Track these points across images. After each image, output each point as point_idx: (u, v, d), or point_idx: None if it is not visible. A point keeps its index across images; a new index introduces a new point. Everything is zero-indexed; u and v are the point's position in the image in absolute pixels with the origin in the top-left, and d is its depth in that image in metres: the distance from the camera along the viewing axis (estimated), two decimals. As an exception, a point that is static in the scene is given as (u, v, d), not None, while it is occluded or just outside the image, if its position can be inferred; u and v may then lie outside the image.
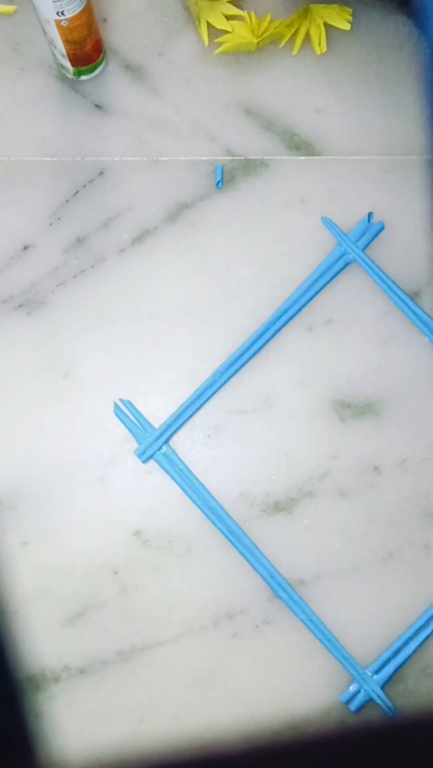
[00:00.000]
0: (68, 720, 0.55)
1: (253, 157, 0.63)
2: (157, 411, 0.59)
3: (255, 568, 0.56)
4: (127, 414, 0.58)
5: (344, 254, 0.59)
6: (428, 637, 0.56)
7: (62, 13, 0.57)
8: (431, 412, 0.59)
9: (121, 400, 0.58)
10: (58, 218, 0.62)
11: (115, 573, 0.57)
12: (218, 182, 0.63)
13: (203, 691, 0.56)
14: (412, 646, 0.55)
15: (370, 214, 0.55)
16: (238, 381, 0.60)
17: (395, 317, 0.60)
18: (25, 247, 0.62)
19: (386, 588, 0.57)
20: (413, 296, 0.60)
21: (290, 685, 0.56)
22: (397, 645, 0.55)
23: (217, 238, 0.62)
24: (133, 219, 0.62)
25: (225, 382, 0.58)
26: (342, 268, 0.55)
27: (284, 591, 0.56)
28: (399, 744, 0.22)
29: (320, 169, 0.63)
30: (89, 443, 0.59)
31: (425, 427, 0.59)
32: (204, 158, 0.63)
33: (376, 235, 0.55)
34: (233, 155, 0.63)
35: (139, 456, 0.57)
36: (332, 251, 0.56)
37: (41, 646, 0.56)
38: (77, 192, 0.63)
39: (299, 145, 0.63)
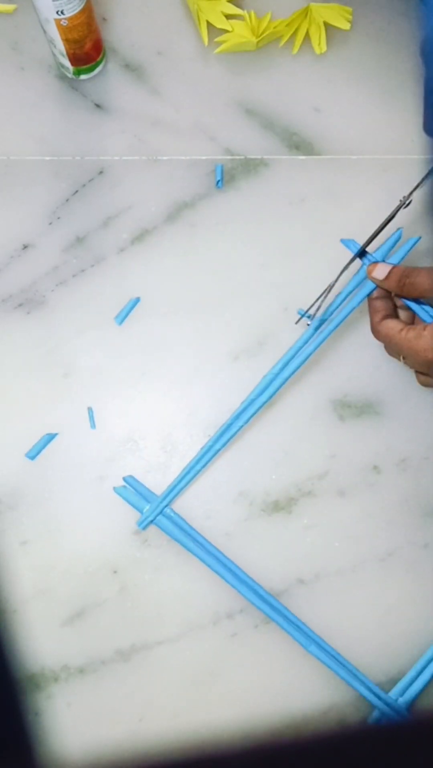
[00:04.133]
0: (68, 719, 0.55)
1: (253, 157, 0.63)
2: (157, 410, 0.59)
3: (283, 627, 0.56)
4: (131, 491, 0.58)
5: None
6: None
7: (62, 12, 0.57)
8: (430, 412, 0.59)
9: (124, 479, 0.58)
10: (58, 217, 0.62)
11: (115, 572, 0.57)
12: (218, 182, 0.63)
13: (203, 691, 0.56)
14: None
15: (399, 230, 0.55)
16: (238, 380, 0.59)
17: (394, 317, 0.60)
18: (25, 247, 0.62)
19: (385, 588, 0.57)
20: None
21: (289, 685, 0.56)
22: (420, 665, 0.55)
23: (216, 238, 0.62)
24: (133, 218, 0.62)
25: (222, 447, 0.57)
26: (371, 291, 0.55)
27: (308, 638, 0.55)
28: (399, 743, 0.22)
29: (320, 169, 0.63)
30: (89, 443, 0.59)
31: (425, 427, 0.59)
32: (204, 157, 0.63)
33: (407, 250, 0.55)
34: (232, 155, 0.63)
35: (139, 525, 0.57)
36: (359, 271, 0.55)
37: (41, 645, 0.56)
38: (77, 191, 0.63)
39: (299, 145, 0.63)
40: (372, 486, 0.58)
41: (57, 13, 0.57)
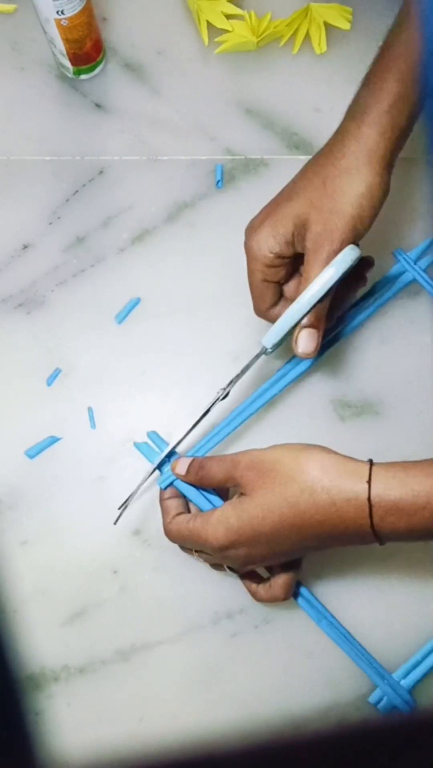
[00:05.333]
0: (68, 719, 0.55)
1: (253, 157, 0.63)
2: (157, 410, 0.59)
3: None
4: (152, 446, 0.57)
5: (402, 272, 0.58)
6: None
7: (62, 12, 0.57)
8: (431, 412, 0.59)
9: (147, 434, 0.57)
10: (58, 217, 0.62)
11: (115, 572, 0.57)
12: (218, 181, 0.63)
13: (203, 691, 0.56)
14: None
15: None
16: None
17: (394, 317, 0.60)
18: (25, 247, 0.62)
19: (385, 587, 0.57)
20: (412, 293, 0.60)
21: (289, 685, 0.56)
22: (426, 650, 0.55)
23: (217, 238, 0.62)
24: (133, 218, 0.62)
25: (255, 411, 0.57)
26: (401, 288, 0.56)
27: (319, 614, 0.55)
28: (399, 743, 0.22)
29: (319, 169, 0.63)
30: (89, 443, 0.59)
31: (425, 427, 0.59)
32: (204, 157, 0.63)
33: None
34: (232, 154, 0.63)
35: (160, 484, 0.56)
36: (392, 269, 0.56)
37: (41, 645, 0.56)
38: (77, 191, 0.63)
39: (299, 145, 0.63)
40: (372, 486, 0.58)
41: (57, 13, 0.57)
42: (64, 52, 0.61)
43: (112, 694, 0.56)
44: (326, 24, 0.64)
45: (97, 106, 0.65)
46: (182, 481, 0.54)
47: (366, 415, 0.59)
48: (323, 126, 0.64)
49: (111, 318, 0.61)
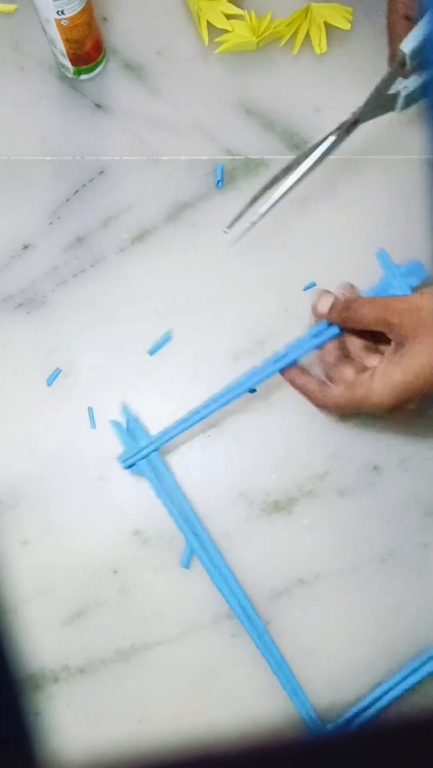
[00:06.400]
0: (68, 719, 0.55)
1: (253, 157, 0.63)
2: (157, 410, 0.59)
3: (221, 590, 0.56)
4: (123, 422, 0.58)
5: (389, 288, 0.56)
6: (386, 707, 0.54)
7: (62, 12, 0.57)
8: (431, 412, 0.59)
9: (124, 405, 0.58)
10: (58, 217, 0.62)
11: (115, 572, 0.57)
12: (218, 182, 0.63)
13: (203, 691, 0.56)
14: (369, 713, 0.54)
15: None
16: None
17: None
18: (25, 247, 0.62)
19: (385, 588, 0.57)
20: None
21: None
22: (356, 710, 0.54)
23: (217, 238, 0.62)
24: (133, 218, 0.62)
25: (227, 403, 0.56)
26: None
27: (250, 622, 0.55)
28: (400, 743, 0.22)
29: (320, 169, 0.63)
30: (89, 443, 0.59)
31: (425, 427, 0.59)
32: (204, 158, 0.63)
33: (421, 280, 0.54)
34: (232, 155, 0.63)
35: (122, 461, 0.57)
36: (380, 282, 0.55)
37: (41, 645, 0.56)
38: (77, 191, 0.63)
39: (299, 145, 0.63)
40: (372, 486, 0.58)
41: (57, 13, 0.57)
42: (65, 52, 0.61)
43: (112, 694, 0.56)
44: (326, 24, 0.64)
45: (97, 106, 0.65)
46: (325, 319, 0.51)
47: (366, 415, 0.59)
48: (323, 126, 0.64)
49: (111, 318, 0.61)
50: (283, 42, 0.65)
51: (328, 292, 0.53)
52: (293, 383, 0.54)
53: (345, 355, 0.53)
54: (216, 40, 0.64)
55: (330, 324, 0.53)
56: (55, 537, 0.58)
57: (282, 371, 0.54)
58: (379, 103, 0.52)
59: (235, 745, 0.21)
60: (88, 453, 0.59)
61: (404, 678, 0.54)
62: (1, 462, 0.59)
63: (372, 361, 0.52)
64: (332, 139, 0.52)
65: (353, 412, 0.52)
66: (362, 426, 0.59)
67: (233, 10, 0.64)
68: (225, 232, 0.53)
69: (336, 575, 0.57)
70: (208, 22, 0.64)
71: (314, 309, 0.53)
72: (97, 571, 0.57)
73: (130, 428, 0.57)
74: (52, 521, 0.58)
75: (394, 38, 0.52)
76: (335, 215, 0.62)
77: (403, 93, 0.51)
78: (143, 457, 0.56)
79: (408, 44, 0.49)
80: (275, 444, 0.59)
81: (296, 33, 0.64)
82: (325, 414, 0.53)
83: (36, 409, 0.59)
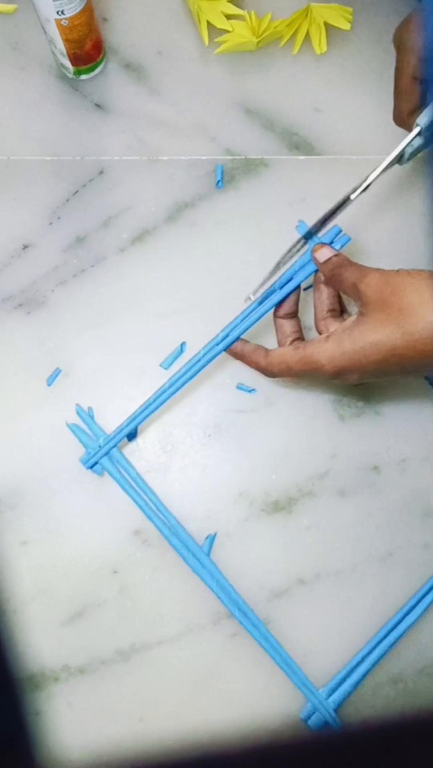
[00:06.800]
0: (68, 719, 0.55)
1: (253, 157, 0.63)
2: (157, 410, 0.59)
3: (210, 587, 0.56)
4: (80, 424, 0.58)
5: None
6: (380, 658, 0.55)
7: (62, 12, 0.57)
8: (430, 412, 0.59)
9: (77, 406, 0.58)
10: (58, 217, 0.62)
11: (115, 572, 0.57)
12: (218, 182, 0.63)
13: (203, 691, 0.56)
14: (363, 668, 0.55)
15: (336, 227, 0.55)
16: (237, 380, 0.60)
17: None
18: (25, 246, 0.62)
19: (385, 588, 0.57)
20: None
21: (289, 685, 0.56)
22: (348, 668, 0.55)
23: (217, 238, 0.62)
24: (133, 218, 0.62)
25: (175, 392, 0.57)
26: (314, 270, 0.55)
27: (242, 612, 0.55)
28: (400, 744, 0.22)
29: (320, 169, 0.63)
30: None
31: (425, 427, 0.59)
32: (204, 158, 0.63)
33: (342, 245, 0.55)
34: (232, 155, 0.63)
35: (84, 462, 0.57)
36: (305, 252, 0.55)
37: (41, 645, 0.56)
38: (77, 191, 0.63)
39: (299, 145, 0.63)
40: (372, 486, 0.58)
41: (57, 13, 0.57)
42: (65, 52, 0.61)
43: (112, 694, 0.56)
44: (326, 24, 0.64)
45: (97, 106, 0.65)
46: (319, 267, 0.53)
47: (366, 415, 0.59)
48: (323, 126, 0.64)
49: (111, 318, 0.61)
50: (283, 42, 0.65)
51: (330, 247, 0.54)
52: (239, 354, 0.56)
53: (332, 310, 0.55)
54: (216, 40, 0.64)
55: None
56: (55, 537, 0.58)
57: (227, 349, 0.56)
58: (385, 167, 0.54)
59: (235, 745, 0.21)
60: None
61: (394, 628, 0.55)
62: (1, 462, 0.59)
63: (332, 326, 0.53)
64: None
65: (299, 375, 0.53)
66: (362, 426, 0.59)
67: (232, 10, 0.64)
68: (250, 299, 0.55)
69: (336, 575, 0.57)
70: (208, 22, 0.64)
71: (313, 252, 0.54)
72: (97, 571, 0.57)
73: (89, 429, 0.58)
74: (52, 521, 0.58)
75: (401, 98, 0.54)
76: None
77: (408, 151, 0.53)
78: (104, 455, 0.57)
79: (424, 118, 0.51)
80: (275, 444, 0.59)
81: (295, 33, 0.64)
82: (268, 376, 0.54)
83: (36, 409, 0.59)
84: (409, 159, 0.53)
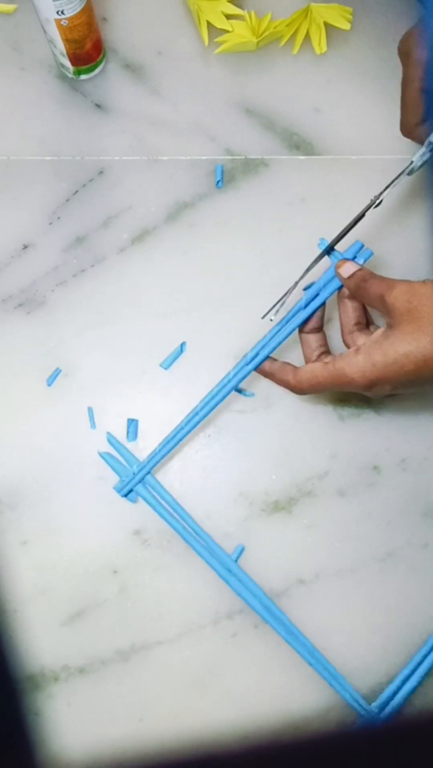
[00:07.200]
0: (68, 719, 0.55)
1: (253, 157, 0.63)
2: (157, 410, 0.59)
3: (247, 601, 0.56)
4: (113, 453, 0.58)
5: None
6: (429, 670, 0.55)
7: (62, 12, 0.57)
8: (430, 412, 0.59)
9: (108, 434, 0.58)
10: (58, 217, 0.62)
11: (115, 572, 0.57)
12: (218, 182, 0.63)
13: (203, 691, 0.56)
14: (414, 680, 0.55)
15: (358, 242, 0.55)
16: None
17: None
18: (25, 247, 0.62)
19: (385, 588, 0.57)
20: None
21: (289, 685, 0.56)
22: (400, 679, 0.55)
23: (217, 238, 0.62)
24: (133, 218, 0.62)
25: (208, 413, 0.57)
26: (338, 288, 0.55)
27: (280, 622, 0.55)
28: (401, 744, 0.22)
29: (320, 169, 0.63)
30: (89, 442, 0.59)
31: (425, 427, 0.59)
32: (204, 158, 0.63)
33: (365, 259, 0.55)
34: (232, 155, 0.63)
35: (119, 491, 0.57)
36: (327, 271, 0.55)
37: (41, 645, 0.56)
38: (77, 191, 0.63)
39: (299, 145, 0.63)
40: (372, 486, 0.58)
41: (57, 13, 0.57)
42: (64, 52, 0.61)
43: (112, 694, 0.56)
44: (326, 24, 0.64)
45: (97, 106, 0.65)
46: (343, 283, 0.54)
47: (366, 415, 0.59)
48: (323, 126, 0.64)
49: (111, 318, 0.61)
50: (283, 42, 0.65)
51: (353, 262, 0.54)
52: (267, 373, 0.56)
53: (358, 323, 0.55)
54: (216, 40, 0.64)
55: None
56: (55, 537, 0.58)
57: (257, 369, 0.56)
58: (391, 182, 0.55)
59: (235, 745, 0.21)
60: (88, 453, 0.59)
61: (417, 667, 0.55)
62: (1, 462, 0.59)
63: (360, 339, 0.53)
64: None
65: (329, 390, 0.53)
66: (362, 426, 0.59)
67: (232, 10, 0.64)
68: (271, 320, 0.55)
69: (336, 575, 0.57)
70: (208, 22, 0.64)
71: (337, 269, 0.54)
72: (97, 571, 0.57)
73: (121, 456, 0.58)
74: (52, 521, 0.58)
75: (408, 110, 0.54)
76: (334, 215, 0.62)
77: (417, 162, 0.53)
78: (138, 482, 0.57)
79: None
80: (275, 444, 0.59)
81: (295, 33, 0.64)
82: (298, 393, 0.54)
83: (36, 409, 0.59)
84: (417, 170, 0.54)
